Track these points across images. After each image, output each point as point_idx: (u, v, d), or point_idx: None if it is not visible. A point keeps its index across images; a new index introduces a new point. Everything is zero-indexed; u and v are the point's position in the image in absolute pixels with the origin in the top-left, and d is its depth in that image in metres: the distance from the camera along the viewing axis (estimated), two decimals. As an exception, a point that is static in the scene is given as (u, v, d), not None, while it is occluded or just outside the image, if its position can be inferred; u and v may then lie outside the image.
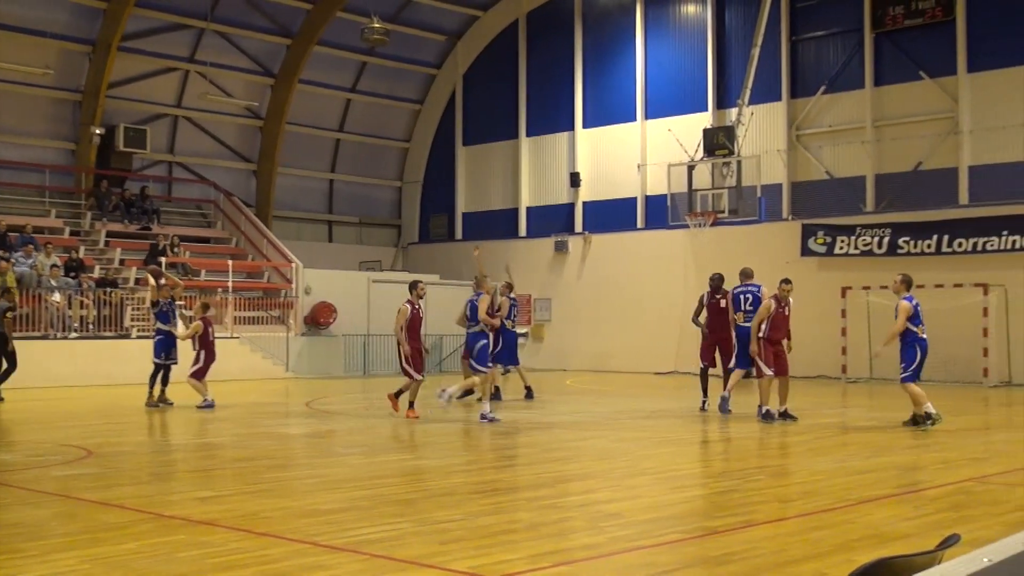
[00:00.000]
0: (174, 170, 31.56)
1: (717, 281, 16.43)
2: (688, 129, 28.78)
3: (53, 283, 23.77)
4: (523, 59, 32.93)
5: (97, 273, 25.77)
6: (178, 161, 31.49)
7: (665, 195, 28.90)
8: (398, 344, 15.31)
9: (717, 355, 16.36)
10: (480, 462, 11.41)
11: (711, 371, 16.58)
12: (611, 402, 19.19)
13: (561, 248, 31.21)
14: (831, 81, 27.05)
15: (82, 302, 24.00)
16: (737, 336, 15.55)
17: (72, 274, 24.56)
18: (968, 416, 16.46)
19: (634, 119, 30.47)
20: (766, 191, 27.55)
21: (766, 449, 12.66)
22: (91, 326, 23.99)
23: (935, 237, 24.28)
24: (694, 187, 28.02)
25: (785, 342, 14.98)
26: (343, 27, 31.19)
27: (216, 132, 32.07)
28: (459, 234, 34.35)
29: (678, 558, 6.43)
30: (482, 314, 14.84)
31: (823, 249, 25.92)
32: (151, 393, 17.09)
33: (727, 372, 16.17)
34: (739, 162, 27.46)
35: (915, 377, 13.60)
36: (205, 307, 17.60)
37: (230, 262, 27.96)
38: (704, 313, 16.39)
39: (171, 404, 17.10)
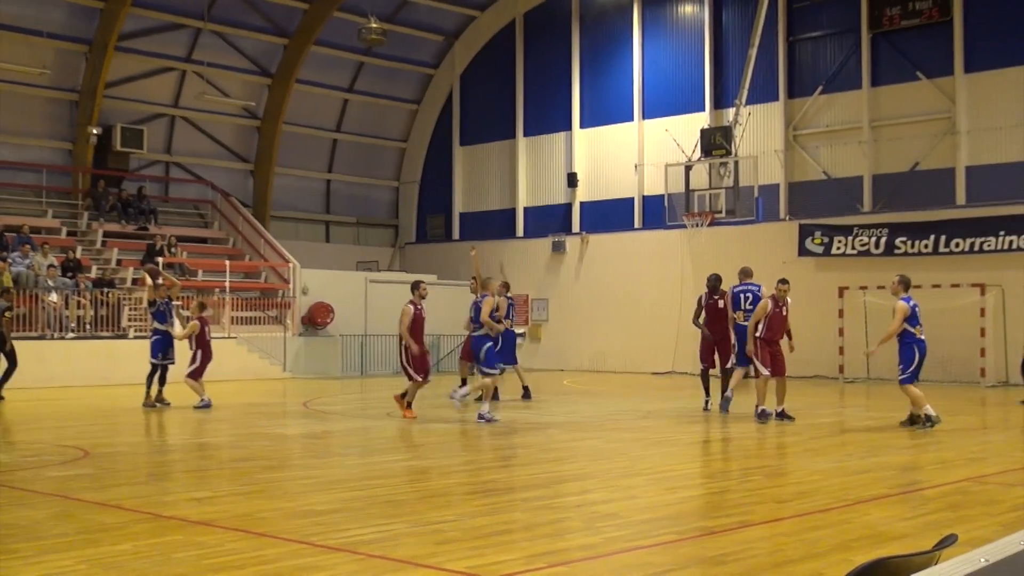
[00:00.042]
0: (171, 170, 31.54)
1: (714, 282, 16.43)
2: (685, 129, 28.79)
3: (50, 283, 23.75)
4: (520, 59, 32.93)
5: (94, 273, 25.74)
6: (175, 161, 31.46)
7: (662, 195, 28.90)
8: (402, 345, 15.14)
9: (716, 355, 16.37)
10: (476, 462, 11.40)
11: (710, 371, 16.59)
12: (608, 402, 19.19)
13: (558, 248, 31.21)
14: (828, 81, 27.06)
15: (79, 302, 23.98)
16: (737, 335, 15.56)
17: (69, 274, 24.53)
18: (965, 416, 16.48)
19: (631, 119, 30.47)
20: (763, 191, 27.56)
21: (763, 449, 12.66)
22: (88, 326, 23.97)
23: (932, 237, 24.30)
24: (691, 187, 28.02)
25: (787, 341, 14.98)
26: (340, 27, 31.17)
27: (213, 132, 32.05)
28: (456, 234, 34.35)
29: (675, 558, 6.42)
30: (484, 316, 14.79)
31: (820, 249, 25.93)
32: (148, 393, 17.07)
33: (725, 372, 16.18)
34: (736, 162, 27.47)
35: (914, 378, 13.58)
36: (202, 306, 17.59)
37: (227, 262, 27.94)
38: (703, 314, 16.39)
39: (168, 404, 17.08)
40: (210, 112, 31.50)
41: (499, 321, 15.35)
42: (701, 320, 16.40)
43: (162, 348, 17.23)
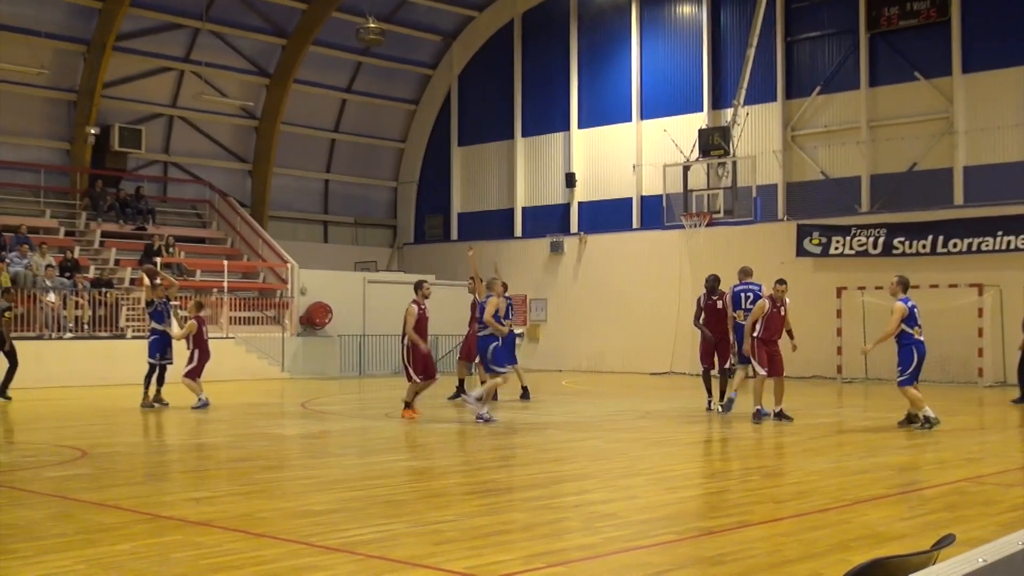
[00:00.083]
0: (169, 170, 31.53)
1: (712, 282, 16.44)
2: (683, 129, 28.80)
3: (48, 283, 23.74)
4: (518, 59, 32.93)
5: (92, 273, 25.73)
6: (173, 161, 31.45)
7: (661, 195, 28.91)
8: (405, 345, 15.09)
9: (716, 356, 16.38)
10: (475, 463, 11.40)
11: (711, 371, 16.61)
12: (606, 402, 19.19)
13: (557, 249, 31.21)
14: (826, 82, 27.07)
15: (77, 302, 23.97)
16: (737, 335, 15.56)
17: (67, 274, 24.53)
18: (963, 416, 16.49)
19: (629, 119, 30.47)
20: (761, 192, 27.57)
21: (761, 449, 12.67)
22: (86, 326, 23.97)
23: (930, 238, 24.31)
24: (689, 188, 28.02)
25: (790, 341, 14.98)
26: (338, 27, 31.17)
27: (211, 132, 32.04)
28: (455, 234, 34.34)
29: (673, 558, 6.43)
30: (487, 316, 14.79)
31: (818, 249, 25.95)
32: (146, 393, 17.06)
33: (723, 372, 16.19)
34: (734, 163, 27.47)
35: (913, 380, 13.55)
36: (199, 306, 17.57)
37: (225, 262, 27.93)
38: (703, 315, 16.40)
39: (166, 404, 17.08)
40: (208, 112, 31.50)
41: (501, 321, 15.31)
42: (701, 321, 16.40)
43: (160, 348, 17.21)
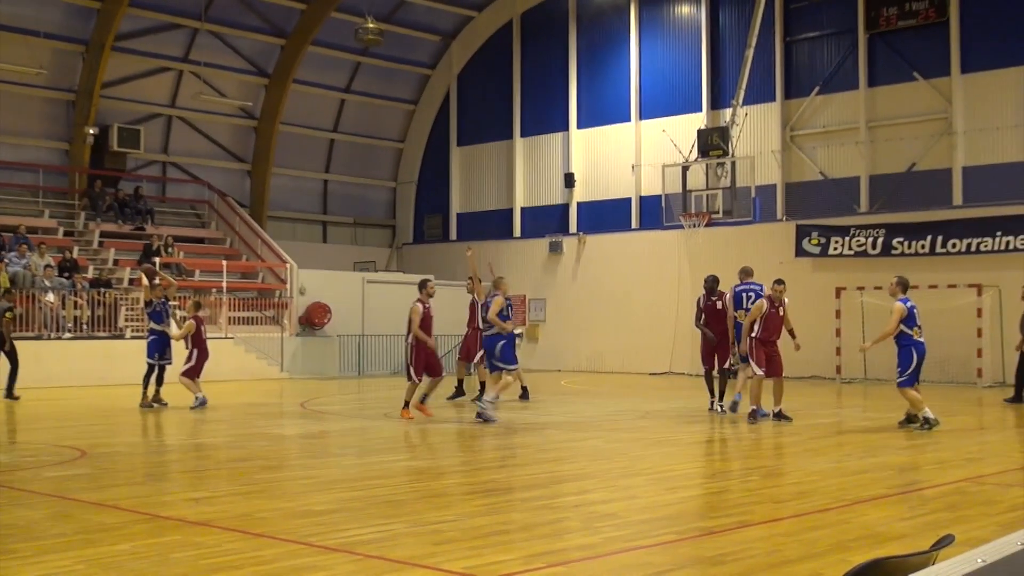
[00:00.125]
0: (168, 170, 31.53)
1: (711, 283, 16.44)
2: (682, 130, 28.80)
3: (47, 283, 23.73)
4: (517, 59, 32.93)
5: (91, 273, 25.73)
6: (172, 161, 31.45)
7: (659, 196, 28.91)
8: (411, 344, 15.08)
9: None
10: (475, 463, 11.40)
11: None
12: (606, 402, 19.20)
13: (555, 249, 31.21)
14: (825, 82, 27.08)
15: (76, 302, 23.97)
16: (738, 334, 15.56)
17: (66, 274, 24.52)
18: (963, 416, 16.49)
19: (628, 120, 30.48)
20: (760, 192, 27.59)
21: (761, 449, 12.67)
22: (85, 326, 23.96)
23: (929, 238, 24.32)
24: (688, 188, 28.02)
25: (792, 340, 14.98)
26: (337, 27, 31.17)
27: (210, 132, 32.04)
28: (453, 235, 34.34)
29: (673, 558, 6.43)
30: (491, 314, 14.80)
31: (817, 250, 25.95)
32: (145, 393, 17.06)
33: (723, 372, 16.19)
34: (733, 163, 27.48)
35: (913, 381, 13.53)
36: (197, 306, 17.57)
37: (224, 262, 27.92)
38: (703, 316, 16.40)
39: (165, 405, 17.07)
40: (207, 112, 31.49)
41: (506, 320, 15.31)
42: (702, 322, 16.40)
43: (159, 348, 17.21)
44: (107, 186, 29.27)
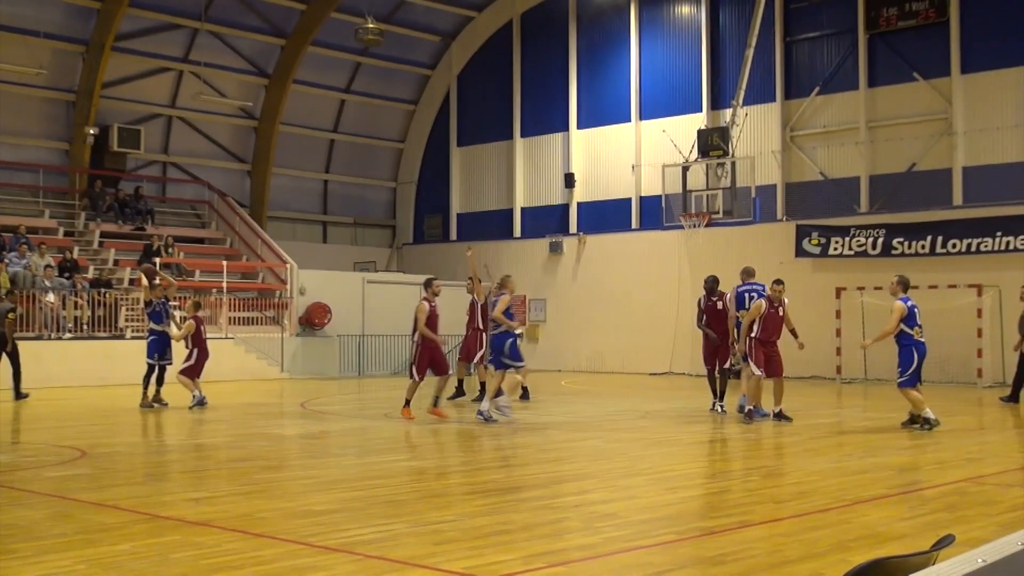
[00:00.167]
0: (168, 170, 31.53)
1: (711, 284, 16.44)
2: (682, 130, 28.80)
3: (47, 284, 23.73)
4: (517, 60, 32.93)
5: (91, 274, 25.73)
6: (172, 161, 31.45)
7: (660, 196, 28.91)
8: (417, 342, 15.09)
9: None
10: (475, 463, 11.40)
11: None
12: (606, 403, 19.19)
13: (556, 249, 31.21)
14: (825, 82, 27.08)
15: (76, 303, 23.97)
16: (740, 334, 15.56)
17: (66, 274, 24.52)
18: (963, 417, 16.49)
19: (628, 120, 30.48)
20: (760, 192, 27.58)
21: (761, 450, 12.67)
22: (85, 327, 23.96)
23: (929, 238, 24.32)
24: (688, 188, 28.02)
25: (795, 340, 14.97)
26: (337, 27, 31.17)
27: (210, 132, 32.04)
28: (454, 235, 34.35)
29: (674, 558, 6.43)
30: (497, 312, 14.83)
31: (817, 250, 25.95)
32: (145, 394, 17.06)
33: (723, 372, 16.19)
34: (733, 163, 27.48)
35: (914, 381, 13.51)
36: (197, 306, 17.58)
37: (224, 263, 27.92)
38: (704, 317, 16.40)
39: (166, 405, 17.07)
40: (207, 112, 31.50)
41: (514, 318, 15.34)
42: (704, 323, 16.40)
43: (159, 348, 17.21)
44: (107, 186, 29.28)
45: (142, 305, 19.14)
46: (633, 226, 30.27)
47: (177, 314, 18.12)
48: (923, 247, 24.35)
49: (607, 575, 6.13)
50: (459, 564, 6.00)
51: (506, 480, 9.89)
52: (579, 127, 31.60)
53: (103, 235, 28.01)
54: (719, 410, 15.83)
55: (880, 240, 24.97)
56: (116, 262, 26.98)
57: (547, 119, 32.21)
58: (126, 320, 24.66)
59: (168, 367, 17.33)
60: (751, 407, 14.73)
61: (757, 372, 14.61)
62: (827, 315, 24.66)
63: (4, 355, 18.73)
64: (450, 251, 32.64)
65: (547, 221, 32.03)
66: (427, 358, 14.96)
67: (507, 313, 14.91)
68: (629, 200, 30.44)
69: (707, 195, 27.73)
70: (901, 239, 24.69)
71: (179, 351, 17.35)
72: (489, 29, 33.54)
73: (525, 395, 18.57)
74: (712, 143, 27.81)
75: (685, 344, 26.86)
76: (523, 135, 32.81)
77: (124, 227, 28.71)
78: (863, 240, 25.25)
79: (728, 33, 28.81)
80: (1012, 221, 23.31)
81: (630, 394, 21.39)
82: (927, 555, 2.62)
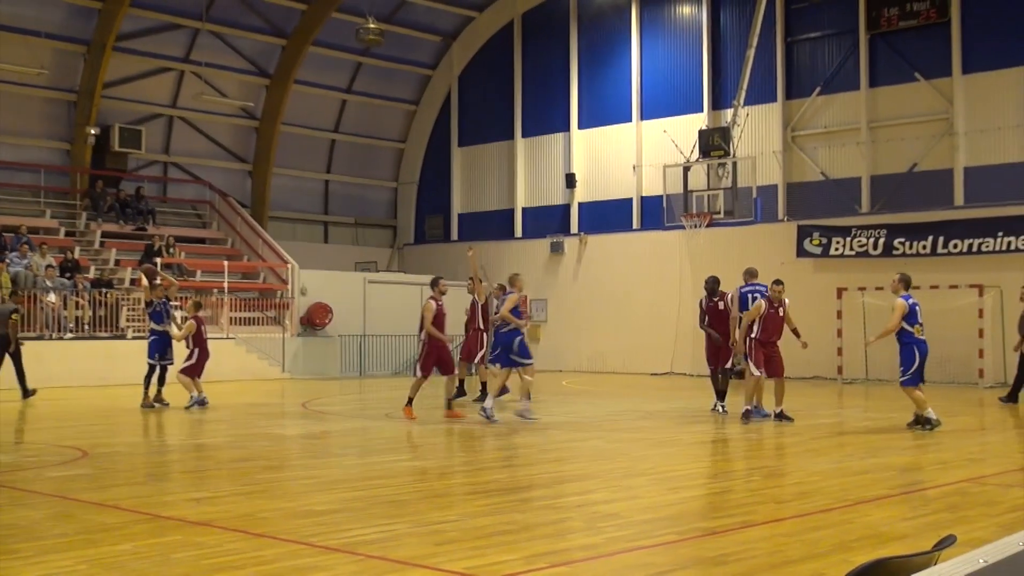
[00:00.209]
0: (169, 170, 31.54)
1: (712, 284, 16.45)
2: (684, 130, 28.80)
3: (48, 284, 23.74)
4: (518, 60, 32.94)
5: (92, 274, 25.74)
6: (173, 161, 31.46)
7: (661, 196, 28.92)
8: (424, 340, 15.12)
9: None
10: (476, 463, 11.40)
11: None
12: (607, 403, 19.19)
13: (557, 249, 31.21)
14: (826, 82, 27.08)
15: (77, 303, 23.97)
16: None
17: (67, 274, 24.53)
18: (964, 417, 16.48)
19: (630, 120, 30.48)
20: (761, 192, 27.58)
21: (763, 450, 12.67)
22: (86, 327, 23.97)
23: (930, 238, 24.31)
24: (690, 188, 28.03)
25: (798, 340, 14.96)
26: (338, 27, 31.17)
27: (211, 132, 32.05)
28: (455, 235, 34.35)
29: (675, 559, 6.43)
30: (504, 311, 14.86)
31: (818, 250, 25.95)
32: (146, 394, 17.07)
33: (725, 372, 16.19)
34: (734, 163, 27.48)
35: (916, 380, 13.49)
36: (197, 306, 17.58)
37: (225, 263, 27.93)
38: (706, 317, 16.41)
39: (167, 405, 17.08)
40: (208, 112, 31.51)
41: (522, 316, 15.35)
42: (706, 323, 16.40)
43: (159, 348, 17.21)
44: (108, 186, 29.29)
45: (143, 305, 19.15)
46: (634, 226, 30.27)
47: (178, 314, 18.12)
48: (924, 247, 24.34)
49: (609, 575, 6.13)
50: (461, 564, 6.00)
51: (508, 480, 9.89)
52: (580, 127, 31.60)
53: (104, 235, 28.02)
54: (720, 410, 15.84)
55: (881, 240, 24.96)
56: (117, 262, 26.99)
57: (548, 119, 32.21)
58: (127, 320, 24.67)
59: (169, 367, 17.33)
60: (748, 407, 14.74)
61: (756, 372, 14.62)
62: (828, 315, 24.65)
63: (7, 356, 18.75)
64: (451, 251, 32.63)
65: (548, 221, 32.03)
66: (434, 357, 15.01)
67: (516, 311, 14.94)
68: (630, 200, 30.44)
69: (708, 195, 27.73)
70: (902, 239, 24.68)
71: (180, 351, 17.36)
72: (490, 29, 33.54)
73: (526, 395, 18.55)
74: (713, 143, 27.81)
75: (686, 344, 26.85)
76: (524, 135, 32.82)
77: (125, 227, 28.72)
78: (864, 240, 25.25)
79: (729, 33, 28.80)
80: (1013, 221, 23.30)
81: (631, 394, 21.39)
82: (929, 555, 2.62)
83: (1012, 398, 18.08)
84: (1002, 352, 22.45)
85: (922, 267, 23.24)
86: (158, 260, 25.26)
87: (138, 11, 28.34)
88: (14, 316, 18.92)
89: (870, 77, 26.44)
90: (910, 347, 13.51)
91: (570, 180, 31.57)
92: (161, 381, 17.26)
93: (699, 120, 28.79)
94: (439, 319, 15.06)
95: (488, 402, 14.79)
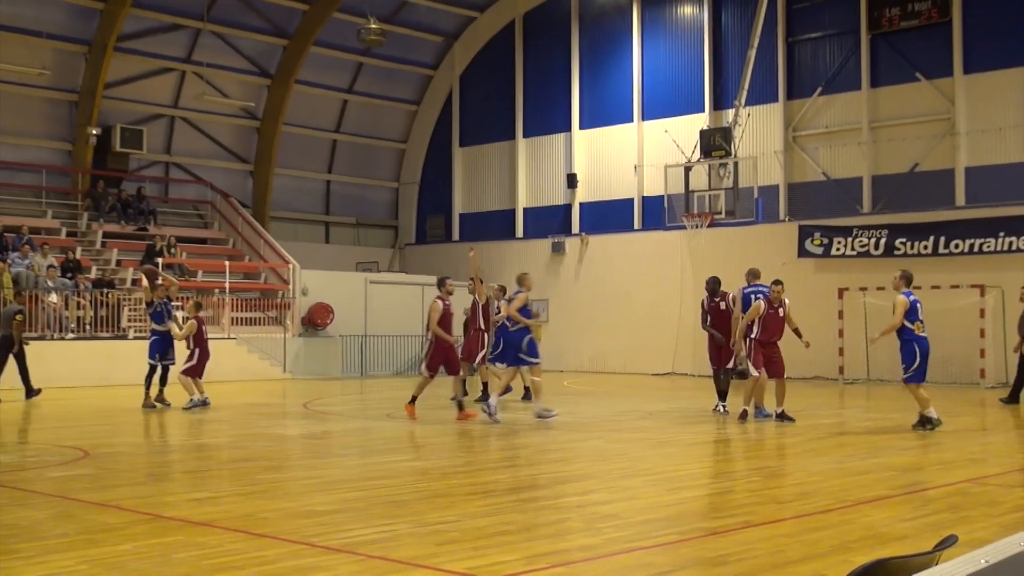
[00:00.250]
0: (171, 171, 31.55)
1: (713, 285, 16.46)
2: (685, 130, 28.80)
3: (50, 284, 23.75)
4: (520, 60, 32.94)
5: (94, 274, 25.76)
6: (175, 162, 31.47)
7: (662, 196, 28.92)
8: (430, 340, 15.11)
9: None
10: (477, 463, 11.40)
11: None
12: (608, 403, 19.19)
13: (558, 249, 31.21)
14: (827, 82, 27.07)
15: (79, 303, 23.98)
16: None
17: (69, 275, 24.54)
18: (965, 417, 16.47)
19: (631, 120, 30.48)
20: (763, 192, 27.57)
21: (763, 450, 12.67)
22: (88, 327, 23.97)
23: (932, 238, 24.30)
24: (691, 188, 28.03)
25: (800, 340, 14.95)
26: (339, 28, 31.18)
27: (213, 133, 32.06)
28: (456, 235, 34.35)
29: (675, 559, 6.43)
30: (512, 310, 14.88)
31: (820, 250, 25.94)
32: (147, 394, 17.07)
33: (726, 372, 16.18)
34: (736, 163, 27.48)
35: (919, 378, 13.47)
36: (198, 306, 17.59)
37: (227, 263, 27.94)
38: (708, 318, 16.40)
39: (168, 405, 17.08)
40: (209, 113, 31.51)
41: (532, 316, 15.37)
42: (708, 323, 16.40)
43: (160, 349, 17.22)
44: (110, 186, 29.30)
45: (144, 306, 19.16)
46: (635, 226, 30.27)
47: (179, 315, 18.12)
48: (925, 247, 24.33)
49: (609, 575, 6.12)
50: (461, 564, 6.00)
51: (508, 480, 9.89)
52: (581, 127, 31.60)
53: (106, 235, 28.03)
54: (721, 411, 15.83)
55: (883, 240, 24.95)
56: (119, 262, 27.00)
57: (549, 119, 32.22)
58: (128, 320, 24.68)
59: (171, 367, 17.34)
60: (746, 408, 14.74)
61: (754, 373, 14.62)
62: (830, 316, 24.65)
63: (11, 356, 18.77)
64: (452, 251, 32.64)
65: (549, 221, 32.03)
66: (440, 356, 15.02)
67: (525, 310, 14.95)
68: (631, 200, 30.44)
69: (709, 195, 27.73)
70: (904, 239, 24.67)
71: (181, 351, 17.37)
72: (491, 29, 33.54)
73: (527, 396, 18.56)
74: (714, 143, 27.81)
75: (687, 345, 26.86)
76: (525, 135, 32.82)
77: (127, 227, 28.73)
78: (865, 240, 25.24)
79: (730, 33, 28.80)
80: (1014, 221, 23.29)
81: (632, 394, 21.39)
82: (930, 556, 2.62)
83: (1013, 399, 18.08)
84: (1003, 352, 22.42)
85: (923, 267, 23.19)
86: (159, 260, 25.28)
87: (139, 11, 28.35)
88: (18, 317, 18.95)
89: (871, 77, 26.43)
90: (910, 344, 13.51)
91: (571, 180, 31.57)
92: (163, 381, 17.27)
93: (700, 120, 28.78)
94: (446, 319, 15.09)
95: (493, 400, 14.80)
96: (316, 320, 28.05)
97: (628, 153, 30.50)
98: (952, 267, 23.73)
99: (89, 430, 14.55)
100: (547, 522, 7.48)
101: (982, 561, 2.30)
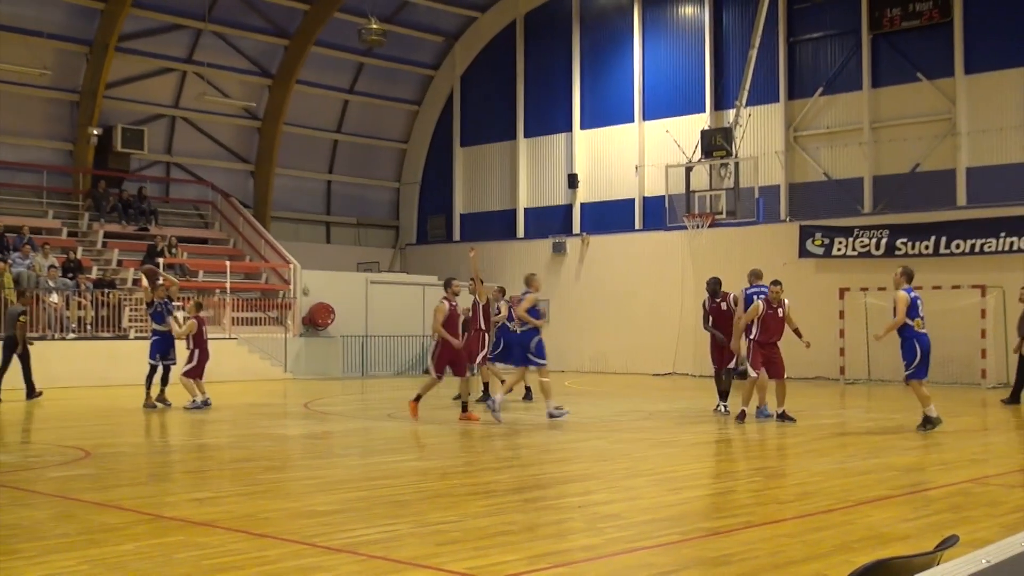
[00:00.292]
0: (172, 171, 31.56)
1: (714, 285, 16.46)
2: (686, 130, 28.80)
3: (51, 284, 23.76)
4: (521, 60, 32.94)
5: (95, 274, 25.77)
6: (176, 162, 31.48)
7: (663, 196, 28.92)
8: (438, 342, 15.12)
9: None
10: (478, 463, 11.40)
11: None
12: (609, 403, 19.19)
13: (559, 249, 31.21)
14: (829, 83, 27.07)
15: (80, 303, 23.99)
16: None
17: (70, 275, 24.55)
18: (966, 417, 16.46)
19: (632, 120, 30.48)
20: (764, 192, 27.57)
21: (765, 450, 12.67)
22: (89, 327, 23.98)
23: (933, 238, 24.30)
24: (692, 188, 28.04)
25: (800, 340, 14.95)
26: (340, 28, 31.19)
27: (213, 133, 32.06)
28: (457, 235, 34.36)
29: (677, 559, 6.43)
30: (521, 311, 14.90)
31: (821, 250, 25.94)
32: (148, 394, 17.08)
33: (727, 372, 16.18)
34: (737, 163, 27.48)
35: (921, 375, 13.45)
36: (198, 306, 17.60)
37: (228, 263, 27.95)
38: (710, 318, 16.41)
39: (169, 405, 17.09)
40: (210, 113, 31.52)
41: (540, 317, 15.38)
42: (710, 324, 16.40)
43: (161, 349, 17.23)
44: (111, 187, 29.31)
45: (145, 306, 19.16)
46: (636, 227, 30.27)
47: (180, 315, 18.13)
48: (927, 248, 24.33)
49: (610, 576, 6.13)
50: (462, 564, 6.00)
51: (509, 481, 9.88)
52: (582, 127, 31.61)
53: (107, 235, 28.04)
54: (722, 410, 15.83)
55: (884, 241, 24.95)
56: (120, 262, 27.02)
57: (550, 119, 32.22)
58: (129, 320, 24.70)
59: (172, 367, 17.35)
60: (744, 408, 14.75)
61: (753, 373, 14.63)
62: (831, 316, 24.64)
63: (15, 357, 18.79)
64: (453, 252, 32.64)
65: (550, 222, 32.03)
66: (446, 357, 15.01)
67: (533, 311, 14.96)
68: (632, 201, 30.44)
69: (710, 195, 27.74)
70: (905, 239, 24.66)
71: (181, 351, 17.37)
72: (492, 29, 33.54)
73: (528, 396, 18.58)
74: (715, 143, 27.81)
75: (688, 345, 26.86)
76: (526, 135, 32.82)
77: (128, 227, 28.74)
78: (867, 241, 25.23)
79: (731, 33, 28.80)
80: (1016, 222, 23.28)
81: (633, 394, 21.39)
82: (931, 556, 2.62)
83: (1014, 399, 18.08)
84: (1004, 353, 22.40)
85: (924, 267, 23.15)
86: (160, 260, 25.28)
87: (140, 11, 28.36)
88: (22, 318, 18.96)
89: (872, 77, 26.43)
90: (911, 341, 13.50)
91: (572, 180, 31.57)
92: (164, 381, 17.28)
93: (701, 120, 28.79)
94: (452, 320, 15.07)
95: (498, 397, 14.80)
96: (317, 320, 28.05)
97: (629, 153, 30.50)
98: (953, 267, 23.73)
99: (90, 430, 14.55)
100: (549, 522, 7.47)
101: (984, 561, 2.30)
